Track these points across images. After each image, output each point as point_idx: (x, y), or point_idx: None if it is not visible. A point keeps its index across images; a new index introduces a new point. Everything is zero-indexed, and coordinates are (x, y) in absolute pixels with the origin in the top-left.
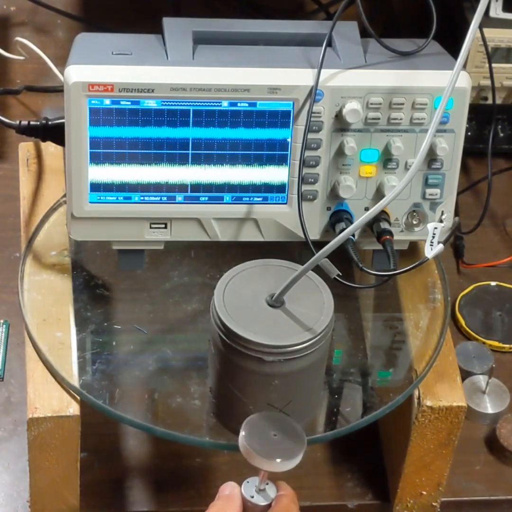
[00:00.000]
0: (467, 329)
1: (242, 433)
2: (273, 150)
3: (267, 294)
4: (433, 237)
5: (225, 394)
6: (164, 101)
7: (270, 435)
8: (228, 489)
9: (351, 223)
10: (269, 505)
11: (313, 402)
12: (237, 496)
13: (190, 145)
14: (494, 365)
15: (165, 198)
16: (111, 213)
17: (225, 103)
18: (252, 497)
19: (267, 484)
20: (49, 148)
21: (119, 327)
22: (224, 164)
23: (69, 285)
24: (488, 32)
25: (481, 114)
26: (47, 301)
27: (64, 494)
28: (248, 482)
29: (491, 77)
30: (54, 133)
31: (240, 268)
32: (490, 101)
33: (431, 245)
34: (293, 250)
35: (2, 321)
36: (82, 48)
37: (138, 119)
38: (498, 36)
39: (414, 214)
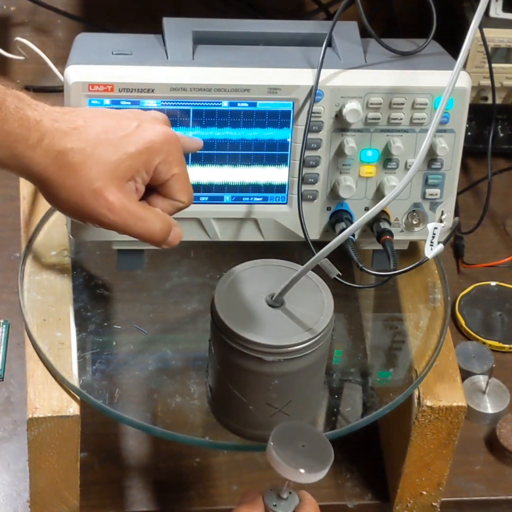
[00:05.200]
0: (467, 329)
1: (270, 442)
2: (273, 150)
3: (267, 294)
4: (433, 237)
5: (225, 394)
6: (164, 101)
7: (298, 446)
8: (251, 496)
9: (351, 223)
10: None
11: (313, 402)
12: (259, 503)
13: None
14: (494, 365)
15: None
16: None
17: (225, 103)
18: (275, 505)
19: (290, 493)
20: None
21: (119, 327)
22: (224, 164)
23: (69, 285)
24: (488, 32)
25: (481, 114)
26: (47, 301)
27: (64, 494)
28: (271, 490)
29: (491, 77)
30: None
31: (240, 268)
32: (490, 101)
33: (431, 245)
34: (293, 250)
35: (2, 321)
36: (82, 48)
37: None
38: (498, 36)
39: (414, 214)
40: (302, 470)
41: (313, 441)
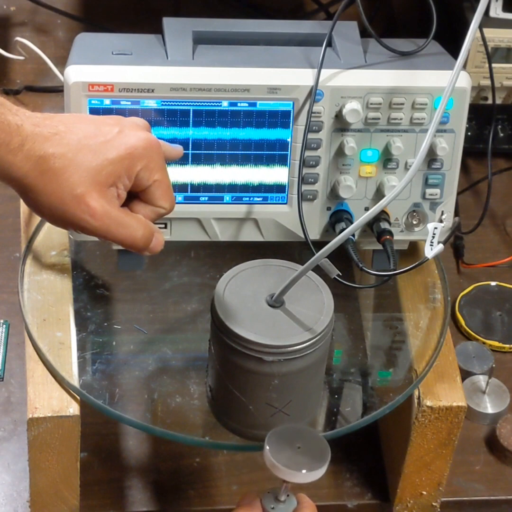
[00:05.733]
0: (467, 329)
1: (266, 447)
2: (273, 150)
3: (267, 294)
4: (433, 237)
5: (224, 394)
6: (164, 101)
7: (294, 447)
8: (249, 499)
9: (351, 223)
10: None
11: (313, 402)
12: (257, 506)
13: (190, 145)
14: (494, 365)
15: None
16: None
17: (225, 103)
18: (273, 508)
19: (287, 495)
20: None
21: (119, 327)
22: (224, 164)
23: (69, 285)
24: (488, 32)
25: (481, 114)
26: (47, 301)
27: (64, 494)
28: (268, 493)
29: (491, 77)
30: None
31: (240, 268)
32: (490, 101)
33: (431, 245)
34: (293, 250)
35: (2, 321)
36: (82, 48)
37: None
38: (498, 36)
39: (414, 214)
40: (299, 470)
41: (310, 441)
